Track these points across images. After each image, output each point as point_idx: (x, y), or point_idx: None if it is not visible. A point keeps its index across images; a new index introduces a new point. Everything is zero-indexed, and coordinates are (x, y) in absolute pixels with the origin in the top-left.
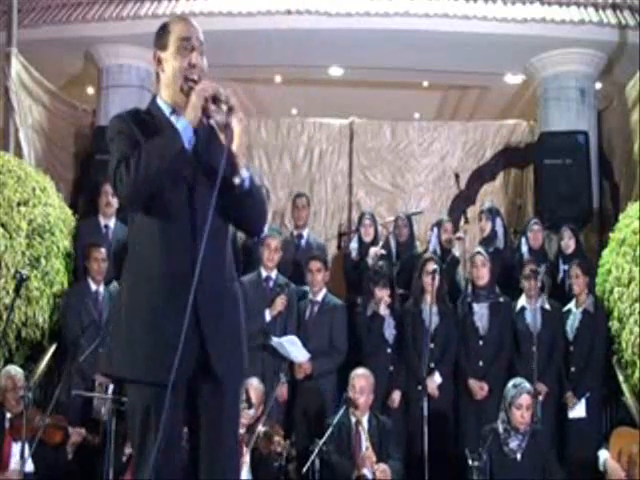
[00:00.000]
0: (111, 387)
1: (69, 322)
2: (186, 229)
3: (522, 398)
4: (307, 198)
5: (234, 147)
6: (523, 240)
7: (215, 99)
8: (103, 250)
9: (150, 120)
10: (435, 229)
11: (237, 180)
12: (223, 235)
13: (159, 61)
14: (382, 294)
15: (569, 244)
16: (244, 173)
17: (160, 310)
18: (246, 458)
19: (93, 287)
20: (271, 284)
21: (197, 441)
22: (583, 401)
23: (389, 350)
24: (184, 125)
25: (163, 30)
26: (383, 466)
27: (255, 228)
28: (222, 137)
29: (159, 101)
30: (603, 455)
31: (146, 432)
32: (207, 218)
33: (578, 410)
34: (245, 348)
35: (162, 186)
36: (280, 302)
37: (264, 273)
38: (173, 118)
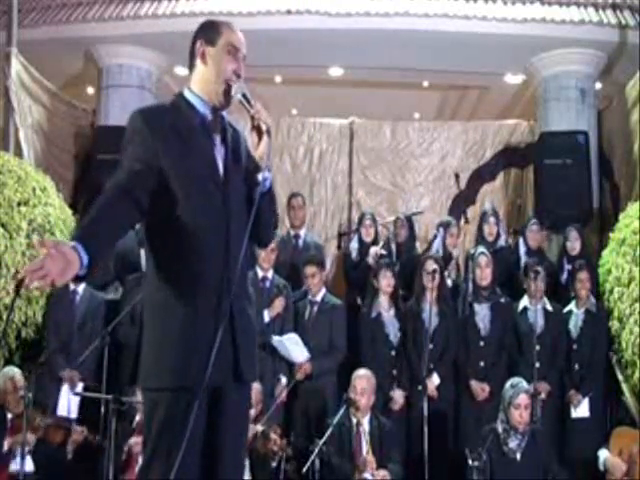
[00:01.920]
0: (80, 385)
1: (48, 321)
2: (219, 235)
3: (520, 398)
4: (303, 198)
5: (259, 151)
6: (521, 240)
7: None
8: None
9: (182, 114)
10: (441, 229)
11: (260, 177)
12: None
13: (203, 54)
14: (384, 283)
15: (575, 245)
16: (266, 173)
17: (192, 316)
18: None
19: (71, 287)
20: (267, 284)
21: (216, 443)
22: (586, 400)
23: (393, 352)
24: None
25: (214, 28)
26: (383, 472)
27: (267, 236)
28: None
29: (189, 95)
30: (603, 454)
31: (165, 433)
32: (240, 226)
33: (582, 410)
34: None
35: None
36: (279, 304)
37: (260, 273)
38: (207, 115)
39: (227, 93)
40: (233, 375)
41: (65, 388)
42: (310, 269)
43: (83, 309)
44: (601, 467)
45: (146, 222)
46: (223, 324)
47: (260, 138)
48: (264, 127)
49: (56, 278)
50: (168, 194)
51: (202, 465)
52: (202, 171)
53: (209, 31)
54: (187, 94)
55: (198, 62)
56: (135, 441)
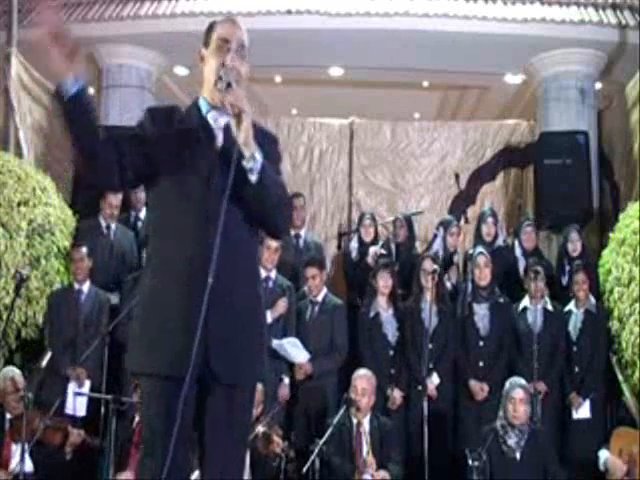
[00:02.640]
0: (87, 382)
1: (50, 321)
2: (202, 227)
3: (515, 392)
4: (304, 198)
5: (240, 137)
6: (516, 242)
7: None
8: (83, 250)
9: (181, 119)
10: (441, 229)
11: (247, 164)
12: (245, 245)
13: (201, 58)
14: (382, 283)
15: (577, 246)
16: (251, 163)
17: (172, 304)
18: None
19: (76, 286)
20: (270, 284)
21: (202, 441)
22: (588, 402)
23: (391, 352)
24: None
25: (209, 28)
26: (383, 473)
27: (276, 226)
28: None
29: (200, 99)
30: (604, 455)
31: (154, 425)
32: (228, 218)
33: (583, 411)
34: (262, 353)
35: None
36: (282, 305)
37: (263, 273)
38: (210, 116)
39: (218, 87)
40: (204, 372)
41: (72, 386)
42: (311, 271)
43: (88, 308)
44: (601, 467)
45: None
46: (203, 312)
47: (239, 124)
48: (236, 110)
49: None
50: (152, 168)
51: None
52: (186, 159)
53: (206, 33)
54: (200, 98)
55: (202, 67)
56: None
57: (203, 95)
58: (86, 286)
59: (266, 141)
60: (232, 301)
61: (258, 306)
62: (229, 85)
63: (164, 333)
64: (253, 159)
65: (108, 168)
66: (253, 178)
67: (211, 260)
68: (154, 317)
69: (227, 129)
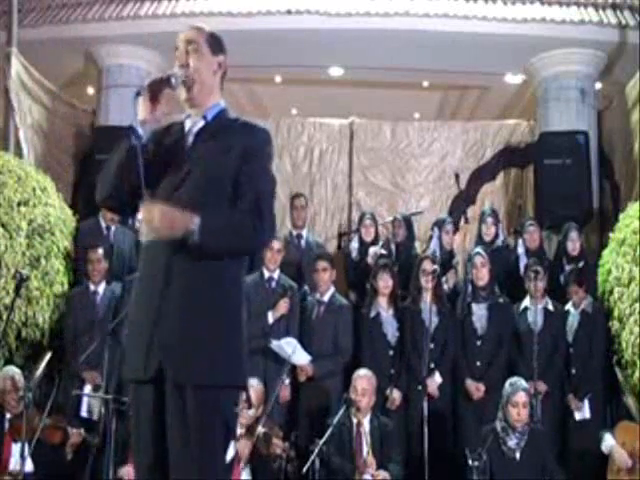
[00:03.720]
0: (102, 384)
1: (68, 323)
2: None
3: (518, 395)
4: (305, 198)
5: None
6: (520, 241)
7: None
8: (100, 251)
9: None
10: (436, 229)
11: (189, 239)
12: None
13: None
14: (382, 284)
15: (576, 246)
16: (191, 228)
17: (136, 309)
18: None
19: (92, 288)
20: (273, 285)
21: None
22: (586, 402)
23: (391, 352)
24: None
25: None
26: (383, 473)
27: (242, 253)
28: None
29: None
30: (609, 439)
31: (133, 429)
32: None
33: (583, 412)
34: (222, 352)
35: (123, 182)
36: (283, 305)
37: (266, 274)
38: (188, 121)
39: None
40: (156, 374)
41: (88, 389)
42: (322, 264)
43: (104, 308)
44: (604, 450)
45: None
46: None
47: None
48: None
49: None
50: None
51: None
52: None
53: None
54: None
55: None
56: (127, 470)
57: None
58: (101, 287)
59: (253, 141)
60: (188, 301)
61: (221, 305)
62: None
63: (132, 338)
64: (190, 233)
65: (120, 200)
66: (195, 239)
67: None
68: (130, 324)
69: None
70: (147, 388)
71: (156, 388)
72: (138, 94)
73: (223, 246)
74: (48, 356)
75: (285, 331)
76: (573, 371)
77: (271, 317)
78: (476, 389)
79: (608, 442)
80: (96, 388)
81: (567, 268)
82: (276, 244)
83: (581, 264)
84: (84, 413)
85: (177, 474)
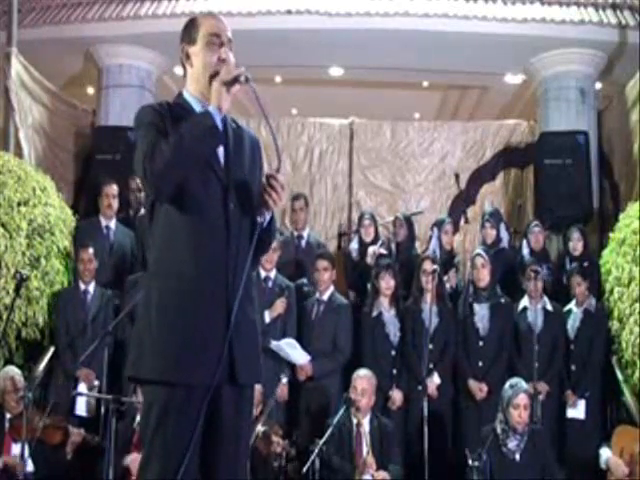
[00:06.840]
0: (96, 382)
1: (58, 322)
2: (220, 230)
3: (519, 398)
4: (305, 199)
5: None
6: (524, 242)
7: (236, 81)
8: (90, 250)
9: (182, 112)
10: (435, 229)
11: (259, 218)
12: (247, 252)
13: (187, 56)
14: (384, 285)
15: (577, 246)
16: (266, 215)
17: (192, 312)
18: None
19: (82, 287)
20: (270, 284)
21: (214, 443)
22: (582, 402)
23: (393, 352)
24: (213, 110)
25: (192, 25)
26: (383, 474)
27: (258, 258)
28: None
29: (187, 96)
30: (605, 453)
31: (162, 432)
32: (242, 222)
33: (577, 410)
34: (261, 356)
35: (192, 172)
36: (280, 305)
37: (263, 273)
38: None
39: (212, 80)
40: (228, 376)
41: (82, 387)
42: (322, 263)
43: (95, 308)
44: (602, 465)
45: (154, 216)
46: (233, 318)
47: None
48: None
49: None
50: None
51: (201, 466)
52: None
53: (189, 30)
54: (185, 95)
55: (186, 65)
56: (133, 458)
57: (190, 91)
58: (92, 286)
59: (255, 147)
60: (245, 305)
61: (254, 307)
62: (247, 79)
63: (190, 344)
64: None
65: (171, 183)
66: (264, 227)
67: (229, 270)
68: (175, 327)
69: (225, 125)
70: (199, 392)
71: (210, 391)
72: (247, 80)
73: (266, 244)
74: (50, 353)
75: (282, 331)
76: (573, 367)
77: (268, 317)
78: (479, 390)
79: (604, 456)
80: (91, 387)
81: (569, 268)
82: (273, 244)
83: (586, 264)
84: (78, 411)
85: (229, 475)
